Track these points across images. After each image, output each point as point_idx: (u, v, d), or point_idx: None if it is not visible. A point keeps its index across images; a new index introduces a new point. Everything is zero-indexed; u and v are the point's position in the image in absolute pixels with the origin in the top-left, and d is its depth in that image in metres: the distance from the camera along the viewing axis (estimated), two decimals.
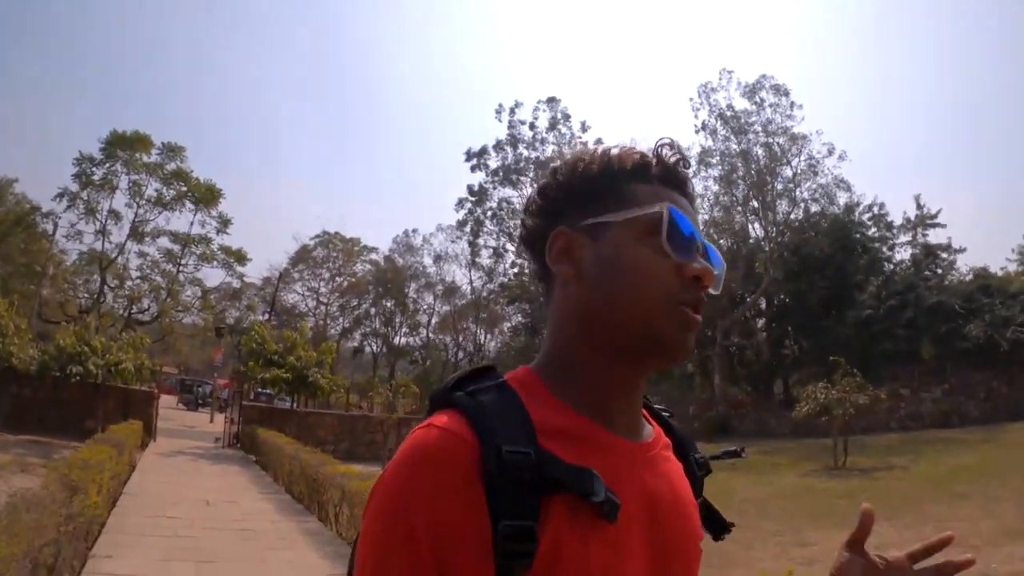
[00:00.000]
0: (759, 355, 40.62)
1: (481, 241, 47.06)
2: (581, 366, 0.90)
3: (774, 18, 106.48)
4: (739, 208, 39.92)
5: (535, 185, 1.03)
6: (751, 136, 38.80)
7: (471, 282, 51.55)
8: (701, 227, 0.95)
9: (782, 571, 5.91)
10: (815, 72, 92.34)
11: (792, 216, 39.05)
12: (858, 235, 37.75)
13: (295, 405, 28.23)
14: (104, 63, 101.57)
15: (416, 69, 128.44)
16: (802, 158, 38.11)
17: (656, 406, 1.05)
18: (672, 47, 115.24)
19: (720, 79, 40.28)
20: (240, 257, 37.23)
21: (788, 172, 38.44)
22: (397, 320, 54.96)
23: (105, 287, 34.94)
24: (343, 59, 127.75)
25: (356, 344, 56.46)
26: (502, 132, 44.90)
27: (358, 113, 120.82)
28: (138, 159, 33.49)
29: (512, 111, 44.32)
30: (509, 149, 44.41)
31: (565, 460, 0.78)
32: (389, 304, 54.38)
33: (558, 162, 1.00)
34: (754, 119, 38.81)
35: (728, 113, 39.25)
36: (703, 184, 40.27)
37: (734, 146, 39.15)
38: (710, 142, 39.83)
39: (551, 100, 44.10)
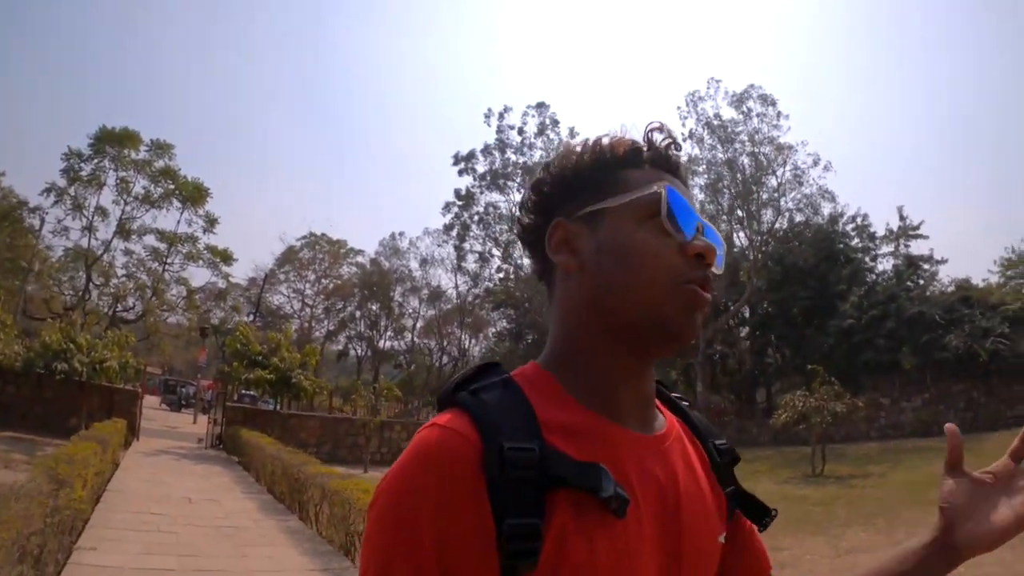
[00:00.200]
0: (741, 363, 40.88)
1: (467, 246, 47.01)
2: (588, 357, 0.89)
3: (762, 28, 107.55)
4: (724, 217, 40.16)
5: (527, 185, 1.02)
6: (738, 145, 39.03)
7: (456, 287, 51.47)
8: (697, 208, 0.93)
9: None
10: (802, 82, 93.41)
11: (776, 225, 39.36)
12: (841, 245, 38.05)
13: (278, 407, 28.19)
14: (94, 58, 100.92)
15: (407, 71, 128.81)
16: (787, 168, 38.45)
17: (673, 395, 1.04)
18: (661, 55, 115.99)
19: (708, 88, 40.49)
20: (226, 257, 37.24)
21: (773, 182, 38.75)
22: (382, 323, 54.72)
23: (91, 284, 34.87)
24: (333, 61, 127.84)
25: (341, 347, 56.23)
26: (491, 136, 45.01)
27: (347, 114, 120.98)
28: (126, 156, 33.49)
29: (501, 116, 44.34)
30: (497, 153, 44.41)
31: (572, 455, 0.78)
32: (374, 307, 54.18)
33: (550, 157, 0.99)
34: (741, 128, 39.11)
35: (715, 122, 39.50)
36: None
37: (720, 155, 39.34)
38: (697, 150, 39.92)
39: (540, 105, 44.20)
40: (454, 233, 46.95)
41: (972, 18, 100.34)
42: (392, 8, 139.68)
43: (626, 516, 0.77)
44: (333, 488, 9.44)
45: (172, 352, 44.48)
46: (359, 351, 55.91)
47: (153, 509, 10.82)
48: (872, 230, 38.88)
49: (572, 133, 44.32)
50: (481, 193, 45.35)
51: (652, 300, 0.85)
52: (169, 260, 36.20)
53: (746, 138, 38.93)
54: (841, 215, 39.31)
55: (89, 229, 33.84)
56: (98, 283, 35.50)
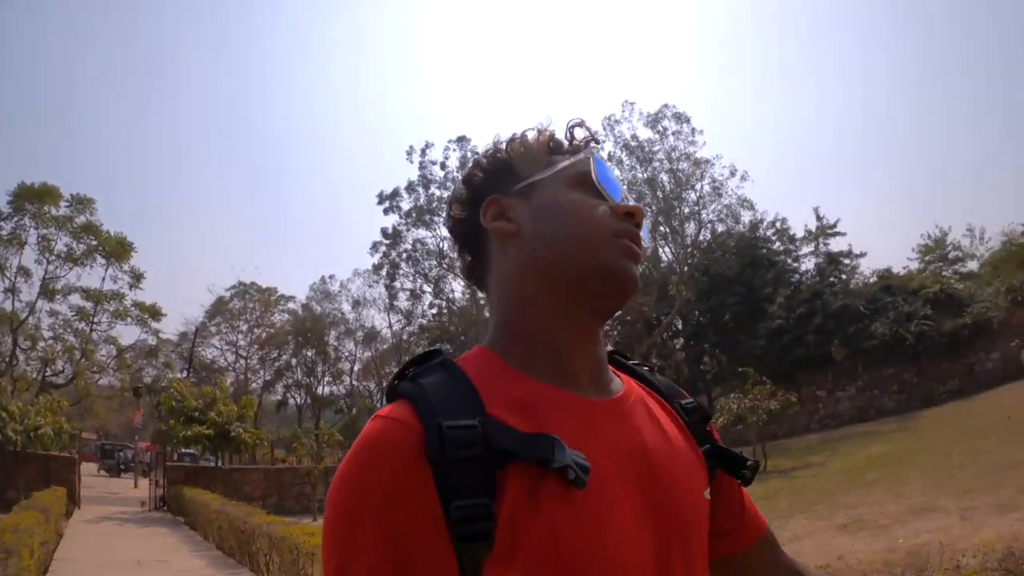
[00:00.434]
0: (679, 373, 41.60)
1: (398, 284, 46.74)
2: (532, 325, 0.89)
3: (673, 49, 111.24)
4: (649, 234, 40.90)
5: (458, 181, 1.05)
6: (656, 163, 39.97)
7: (391, 326, 51.20)
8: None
9: None
10: (713, 96, 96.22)
11: (700, 237, 40.25)
12: (764, 250, 39.22)
13: (220, 463, 27.57)
14: (10, 112, 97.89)
15: (329, 112, 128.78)
16: (705, 181, 39.44)
17: (632, 362, 1.04)
18: (575, 82, 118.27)
19: (623, 110, 41.23)
20: (154, 312, 36.46)
21: (693, 196, 39.66)
22: (319, 369, 53.93)
23: (17, 349, 33.63)
24: (255, 105, 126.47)
25: (279, 397, 55.15)
26: (414, 173, 45.19)
27: (270, 158, 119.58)
28: (47, 212, 32.63)
29: (423, 152, 44.54)
30: (421, 190, 44.41)
31: (521, 429, 0.76)
32: (310, 353, 53.39)
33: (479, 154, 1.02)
34: (658, 147, 40.05)
35: (632, 143, 40.40)
36: None
37: (640, 175, 40.12)
38: (617, 172, 40.78)
39: (461, 139, 44.49)
40: (384, 272, 46.71)
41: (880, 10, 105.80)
42: (313, 46, 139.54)
43: (586, 485, 0.74)
44: (279, 535, 9.38)
45: (106, 415, 43.09)
46: (298, 399, 54.96)
47: (103, 574, 10.60)
48: (792, 233, 40.22)
49: None
50: (408, 230, 45.30)
51: (590, 250, 0.87)
52: (96, 319, 35.33)
53: (663, 156, 39.89)
54: (761, 221, 40.48)
55: (12, 291, 32.86)
56: (25, 347, 34.32)
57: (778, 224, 40.51)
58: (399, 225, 45.42)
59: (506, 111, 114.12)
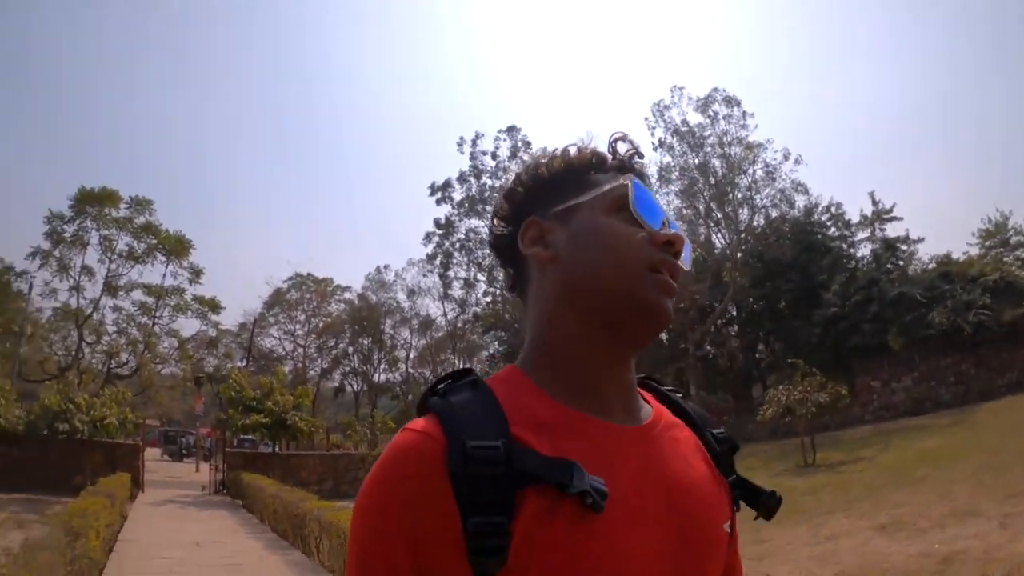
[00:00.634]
0: (733, 361, 41.17)
1: (452, 273, 47.24)
2: (565, 350, 0.89)
3: (722, 30, 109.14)
4: (702, 220, 40.55)
5: (498, 195, 1.06)
6: (708, 149, 39.36)
7: (445, 314, 51.68)
8: (662, 206, 0.97)
9: None
10: (764, 80, 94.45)
11: (754, 223, 39.67)
12: (819, 236, 38.36)
13: (277, 448, 28.41)
14: (66, 119, 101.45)
15: (381, 104, 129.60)
16: (758, 166, 38.83)
17: (665, 388, 1.03)
18: (624, 68, 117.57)
19: (672, 95, 40.73)
20: (214, 306, 37.56)
21: (746, 181, 39.05)
22: (375, 357, 54.78)
23: (83, 343, 35.06)
24: (306, 100, 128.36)
25: (336, 384, 56.38)
26: (465, 164, 45.44)
27: (324, 151, 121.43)
28: (107, 214, 33.85)
29: (474, 142, 44.77)
30: (473, 180, 44.74)
31: (543, 451, 0.77)
32: (366, 342, 54.27)
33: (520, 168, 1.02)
34: (709, 132, 39.45)
35: (683, 129, 39.84)
36: (665, 200, 40.98)
37: (692, 160, 39.63)
38: (668, 158, 40.11)
39: (511, 129, 44.62)
40: (437, 262, 47.22)
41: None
42: (364, 41, 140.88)
43: (603, 510, 0.75)
44: (328, 520, 9.82)
45: (169, 403, 44.61)
46: (355, 386, 55.98)
47: (163, 554, 11.12)
48: (847, 218, 39.23)
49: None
50: (460, 220, 45.72)
51: (626, 282, 0.87)
52: (158, 313, 36.50)
53: (715, 141, 39.28)
54: (816, 206, 39.62)
55: (77, 289, 34.15)
56: (90, 341, 35.70)
57: (833, 209, 39.56)
58: (452, 215, 45.81)
59: (557, 98, 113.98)
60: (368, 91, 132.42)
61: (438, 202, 45.72)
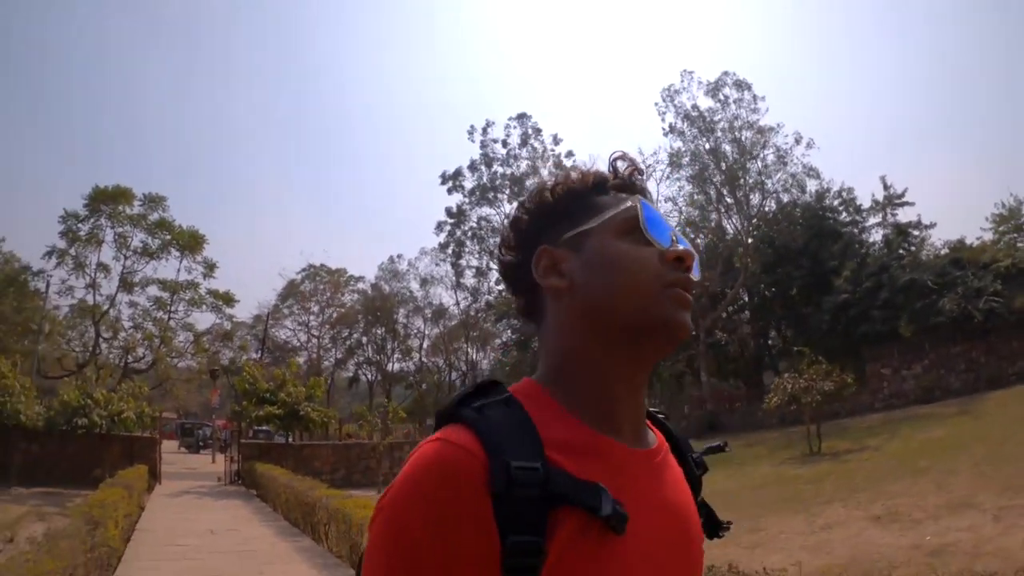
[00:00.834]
0: (744, 348, 41.15)
1: (464, 262, 47.54)
2: (586, 373, 0.90)
3: (730, 13, 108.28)
4: (714, 205, 40.44)
5: (507, 217, 1.08)
6: (719, 133, 39.27)
7: (458, 303, 51.92)
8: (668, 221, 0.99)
9: (725, 556, 6.26)
10: (775, 62, 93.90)
11: (765, 208, 39.60)
12: (830, 221, 38.23)
13: (291, 439, 28.82)
14: (78, 119, 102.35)
15: (390, 94, 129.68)
16: (769, 150, 38.76)
17: (651, 409, 1.04)
18: (633, 53, 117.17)
19: (682, 80, 40.82)
20: (228, 300, 38.14)
21: (757, 165, 38.96)
22: (389, 347, 55.16)
23: (100, 339, 35.75)
24: (315, 92, 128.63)
25: (351, 374, 56.80)
26: (476, 152, 45.56)
27: (334, 141, 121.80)
28: (121, 211, 34.39)
29: (484, 130, 44.91)
30: (484, 168, 44.92)
31: (572, 472, 0.79)
32: (380, 331, 54.62)
33: (524, 197, 1.04)
34: (719, 116, 39.41)
35: (693, 113, 39.76)
36: (677, 185, 40.94)
37: (703, 145, 39.57)
38: (679, 143, 40.14)
39: (521, 116, 44.74)
40: (450, 251, 47.47)
41: None
42: (371, 30, 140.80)
43: (624, 533, 0.78)
44: (335, 507, 10.20)
45: (185, 395, 45.18)
46: (369, 376, 56.44)
47: (179, 541, 11.53)
48: (859, 203, 39.11)
49: (556, 140, 44.75)
50: (472, 208, 45.86)
51: (644, 302, 0.89)
52: (173, 308, 37.09)
53: (726, 125, 39.19)
54: (827, 191, 39.47)
55: (93, 286, 34.75)
56: (107, 337, 36.44)
57: (844, 194, 39.46)
58: (463, 203, 45.98)
59: (567, 84, 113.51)
60: (380, 81, 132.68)
61: (449, 191, 45.99)
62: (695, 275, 0.94)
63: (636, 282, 0.89)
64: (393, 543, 0.75)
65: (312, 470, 23.04)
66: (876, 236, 38.06)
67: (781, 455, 20.58)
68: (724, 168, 39.11)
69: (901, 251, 34.44)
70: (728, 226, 41.15)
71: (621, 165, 1.02)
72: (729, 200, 39.83)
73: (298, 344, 54.89)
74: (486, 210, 45.10)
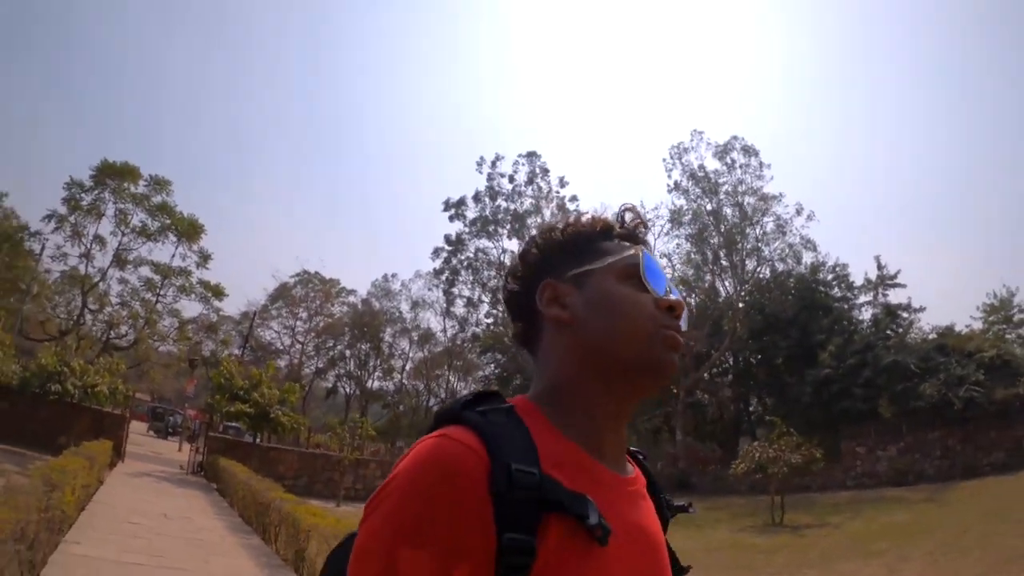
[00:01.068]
0: (723, 411, 41.09)
1: (456, 290, 47.38)
2: (580, 398, 0.96)
3: (743, 81, 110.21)
4: (709, 266, 40.67)
5: (514, 251, 1.27)
6: (722, 196, 39.58)
7: (445, 330, 51.69)
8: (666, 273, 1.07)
9: None
10: (786, 131, 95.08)
11: (760, 274, 39.81)
12: (822, 294, 38.44)
13: (259, 440, 28.63)
14: (98, 91, 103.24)
15: (406, 118, 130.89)
16: (770, 218, 39.01)
17: (632, 448, 1.10)
18: (647, 108, 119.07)
19: (692, 139, 41.16)
20: (218, 292, 38.08)
21: (757, 231, 39.21)
22: (371, 363, 54.88)
23: (86, 309, 35.60)
24: (332, 102, 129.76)
25: (330, 385, 56.45)
26: (482, 183, 45.77)
27: (345, 155, 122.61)
28: (126, 189, 34.50)
29: (493, 164, 44.99)
30: (488, 200, 44.99)
31: (564, 484, 0.84)
32: (364, 347, 54.38)
33: (534, 232, 1.10)
34: (724, 179, 39.75)
35: (700, 173, 40.10)
36: (676, 242, 41.21)
37: (706, 205, 39.87)
38: (682, 201, 40.47)
39: (531, 155, 44.88)
40: (444, 278, 47.37)
41: (947, 72, 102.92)
42: (392, 52, 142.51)
43: (608, 545, 0.82)
44: (288, 511, 10.32)
45: (162, 380, 44.99)
46: (348, 389, 56.05)
47: (131, 519, 11.47)
48: (851, 280, 39.45)
49: (562, 182, 45.07)
50: (471, 239, 45.87)
51: (640, 343, 0.96)
52: (162, 291, 37.05)
53: (730, 188, 39.53)
54: (822, 264, 39.79)
55: (87, 256, 34.73)
56: (93, 308, 36.28)
57: (838, 269, 39.82)
58: (463, 233, 45.99)
59: (579, 130, 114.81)
60: (398, 103, 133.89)
61: (451, 218, 45.97)
62: (683, 327, 1.02)
63: (635, 326, 0.96)
64: (397, 532, 0.78)
65: (275, 473, 22.86)
66: (865, 314, 38.34)
67: (743, 522, 20.49)
68: (724, 230, 39.36)
69: (888, 332, 34.66)
70: (721, 288, 41.41)
71: (629, 216, 1.09)
72: (725, 263, 40.05)
73: (281, 347, 54.60)
74: (484, 242, 45.07)
